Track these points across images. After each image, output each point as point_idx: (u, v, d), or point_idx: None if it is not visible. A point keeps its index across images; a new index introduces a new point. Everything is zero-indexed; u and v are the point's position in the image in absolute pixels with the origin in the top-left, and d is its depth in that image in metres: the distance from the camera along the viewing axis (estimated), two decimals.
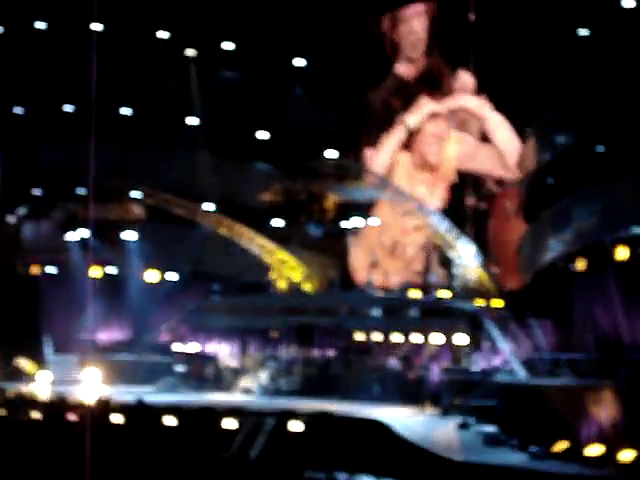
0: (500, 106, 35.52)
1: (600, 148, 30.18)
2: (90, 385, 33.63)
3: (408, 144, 36.93)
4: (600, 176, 28.71)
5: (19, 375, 34.78)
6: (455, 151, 36.35)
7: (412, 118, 36.36)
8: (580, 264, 29.14)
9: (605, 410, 22.04)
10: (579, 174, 29.66)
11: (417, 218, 34.84)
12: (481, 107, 35.50)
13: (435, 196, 36.62)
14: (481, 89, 36.08)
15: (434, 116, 36.38)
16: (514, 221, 35.42)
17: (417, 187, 36.39)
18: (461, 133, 36.30)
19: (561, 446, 22.07)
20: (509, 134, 35.08)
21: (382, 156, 36.73)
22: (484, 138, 35.88)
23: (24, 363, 34.26)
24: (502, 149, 35.16)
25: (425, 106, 36.19)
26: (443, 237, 33.65)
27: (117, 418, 27.55)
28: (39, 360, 35.44)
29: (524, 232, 34.05)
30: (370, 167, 37.14)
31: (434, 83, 36.44)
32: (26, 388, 32.69)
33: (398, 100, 36.45)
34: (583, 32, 32.49)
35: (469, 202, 36.22)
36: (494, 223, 36.64)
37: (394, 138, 36.76)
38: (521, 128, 34.93)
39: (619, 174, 28.35)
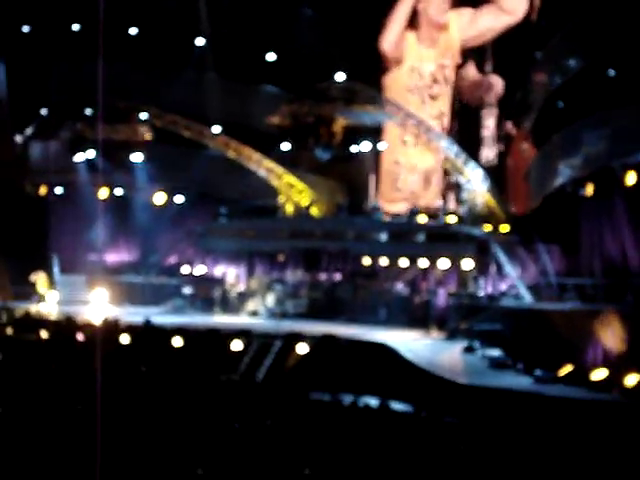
0: None
1: (611, 72, 29.94)
2: (98, 305, 33.84)
3: (413, 19, 36.06)
4: (611, 101, 28.50)
5: (27, 294, 34.95)
6: (457, 24, 35.98)
7: None
8: (589, 189, 29.04)
9: (611, 335, 22.14)
10: (590, 99, 29.44)
11: (426, 141, 34.61)
12: None
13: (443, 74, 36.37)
14: None
15: None
16: (529, 157, 35.26)
17: (426, 67, 36.07)
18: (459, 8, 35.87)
19: (566, 370, 22.21)
20: None
21: (392, 29, 35.71)
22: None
23: (40, 279, 34.33)
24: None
25: None
26: (452, 161, 33.50)
27: (125, 338, 27.76)
28: (47, 280, 35.58)
29: (533, 157, 33.93)
30: (380, 46, 36.18)
31: None
32: (34, 307, 32.91)
33: None
34: None
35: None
36: (511, 162, 36.47)
37: (403, 6, 35.72)
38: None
39: (630, 100, 28.13)
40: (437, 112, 36.58)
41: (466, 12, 35.68)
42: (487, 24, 35.49)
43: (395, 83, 36.73)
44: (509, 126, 36.48)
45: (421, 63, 36.28)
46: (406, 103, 36.12)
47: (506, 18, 34.87)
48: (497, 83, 35.83)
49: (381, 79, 36.88)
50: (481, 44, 36.21)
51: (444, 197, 35.54)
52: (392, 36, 35.81)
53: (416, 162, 36.24)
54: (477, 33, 35.80)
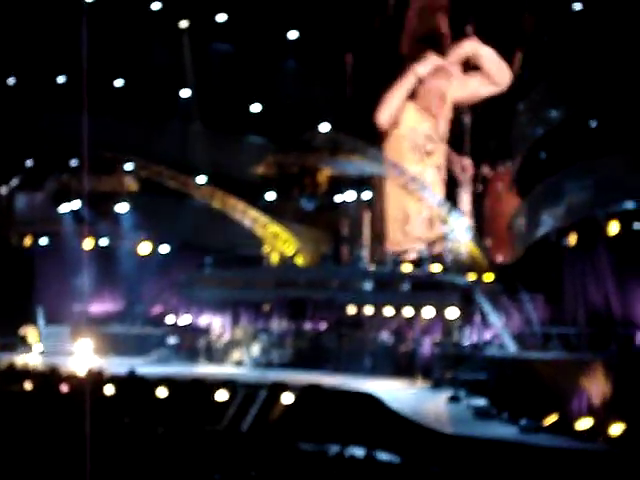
0: None
1: (593, 123, 30.21)
2: (82, 356, 33.74)
3: (413, 94, 37.44)
4: (593, 151, 28.74)
5: (11, 346, 34.86)
6: (449, 88, 37.23)
7: (421, 68, 36.91)
8: (572, 239, 29.18)
9: (595, 384, 22.18)
10: (572, 149, 29.69)
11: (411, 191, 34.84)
12: (476, 46, 36.47)
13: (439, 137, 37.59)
14: None
15: (438, 70, 36.94)
16: (506, 199, 35.77)
17: (422, 129, 37.51)
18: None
19: (551, 419, 22.23)
20: (497, 59, 36.09)
21: (391, 105, 37.24)
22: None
23: (29, 333, 34.21)
24: (490, 70, 36.14)
25: (431, 59, 36.87)
26: (435, 211, 33.68)
27: (109, 389, 27.66)
28: (23, 334, 35.51)
29: (516, 206, 34.12)
30: (378, 117, 37.31)
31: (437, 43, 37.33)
32: (18, 359, 32.78)
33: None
34: (577, 6, 32.39)
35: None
36: (489, 203, 36.93)
37: (404, 86, 37.23)
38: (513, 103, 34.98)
39: (611, 149, 28.39)
40: (434, 165, 37.41)
41: (457, 75, 37.06)
42: (474, 90, 36.89)
43: (394, 143, 37.77)
44: (485, 169, 37.08)
45: (417, 126, 37.51)
46: (404, 159, 37.05)
47: (491, 88, 36.31)
48: (469, 165, 37.17)
49: (367, 128, 37.46)
50: (470, 104, 37.34)
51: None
52: (389, 112, 37.30)
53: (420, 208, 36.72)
54: (466, 96, 37.11)
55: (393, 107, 37.30)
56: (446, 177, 37.38)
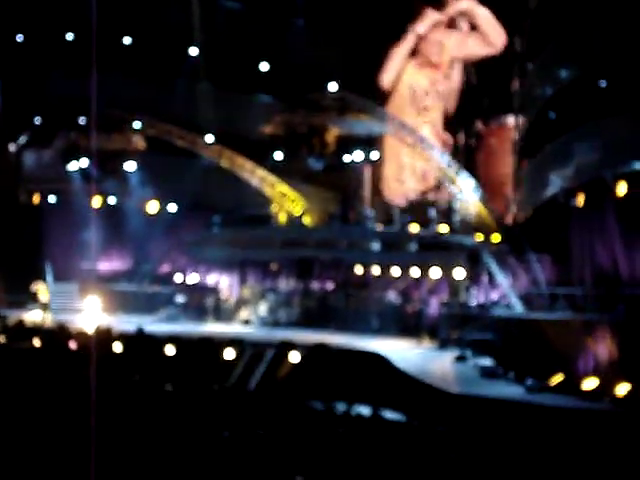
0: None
1: (602, 83, 30.07)
2: (90, 314, 33.86)
3: (413, 51, 38.32)
4: (602, 112, 28.62)
5: (20, 303, 35.02)
6: (448, 45, 38.10)
7: (421, 27, 37.72)
8: (580, 199, 29.15)
9: (602, 344, 22.23)
10: (581, 109, 29.57)
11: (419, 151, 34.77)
12: (473, 4, 37.42)
13: (436, 93, 38.39)
14: None
15: (436, 24, 37.77)
16: (499, 154, 36.39)
17: (421, 84, 38.49)
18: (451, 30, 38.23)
19: (557, 379, 22.29)
20: (492, 19, 37.02)
21: (393, 67, 38.21)
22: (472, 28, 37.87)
23: (41, 289, 34.28)
24: (486, 30, 37.07)
25: (430, 16, 37.73)
26: (444, 171, 33.65)
27: (117, 347, 27.79)
28: (34, 289, 35.60)
29: (510, 162, 34.26)
30: (381, 78, 38.09)
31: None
32: (27, 316, 32.94)
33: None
34: None
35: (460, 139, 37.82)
36: (482, 158, 37.21)
37: (405, 46, 38.12)
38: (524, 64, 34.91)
39: (621, 110, 28.25)
40: (430, 120, 37.92)
41: (455, 35, 38.09)
42: (472, 50, 37.82)
43: (395, 99, 38.65)
44: (479, 125, 37.52)
45: (415, 81, 38.39)
46: (404, 114, 37.56)
47: (487, 49, 37.19)
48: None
49: (374, 89, 37.59)
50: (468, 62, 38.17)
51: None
52: (391, 74, 38.33)
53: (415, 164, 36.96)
54: (463, 55, 38.09)
55: (395, 67, 38.14)
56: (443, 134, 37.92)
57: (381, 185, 37.95)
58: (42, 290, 33.92)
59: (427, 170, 36.84)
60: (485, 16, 36.96)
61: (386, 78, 38.10)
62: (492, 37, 36.85)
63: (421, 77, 38.27)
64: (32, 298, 34.68)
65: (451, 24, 37.94)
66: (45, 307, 33.22)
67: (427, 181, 37.09)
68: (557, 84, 32.17)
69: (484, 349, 25.75)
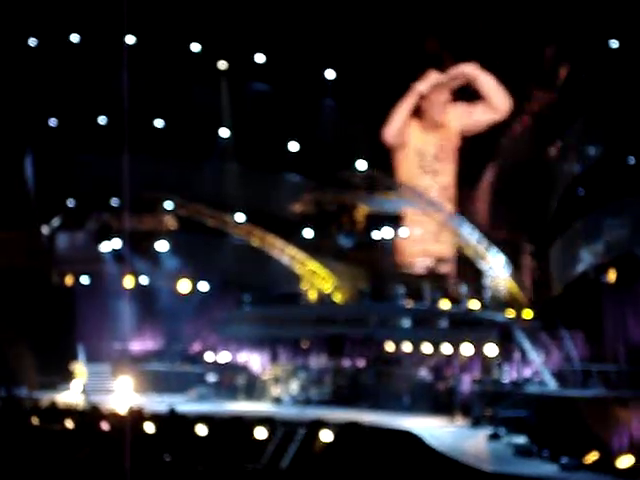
0: None
1: (631, 160, 30.20)
2: (122, 394, 33.89)
3: (417, 111, 38.73)
4: (631, 188, 28.71)
5: (52, 384, 35.12)
6: (454, 115, 38.53)
7: (422, 85, 38.10)
8: (611, 275, 29.11)
9: (636, 422, 22.04)
10: (610, 186, 29.67)
11: (448, 229, 34.84)
12: (475, 70, 37.60)
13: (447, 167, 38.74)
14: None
15: (438, 85, 38.10)
16: None
17: (429, 148, 38.85)
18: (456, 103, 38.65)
19: (592, 457, 22.08)
20: (495, 84, 37.34)
21: (396, 121, 38.56)
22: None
23: (78, 368, 34.33)
24: (490, 97, 37.38)
25: (432, 76, 38.06)
26: (474, 247, 33.69)
27: (149, 427, 27.77)
28: (72, 370, 35.73)
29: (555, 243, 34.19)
30: (384, 134, 38.55)
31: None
32: (59, 397, 32.99)
33: None
34: (614, 44, 32.46)
35: None
36: None
37: (407, 104, 38.48)
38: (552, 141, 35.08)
39: None
40: (441, 184, 38.51)
41: (461, 106, 38.49)
42: (477, 118, 38.15)
43: (404, 162, 39.00)
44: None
45: (424, 146, 38.81)
46: (412, 177, 38.19)
47: (492, 115, 37.53)
48: None
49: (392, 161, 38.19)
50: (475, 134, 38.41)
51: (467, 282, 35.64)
52: (394, 128, 38.71)
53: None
54: (470, 124, 38.36)
55: (397, 123, 38.56)
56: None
57: (407, 260, 37.92)
58: (80, 371, 33.98)
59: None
60: (487, 81, 37.23)
61: (388, 134, 38.50)
62: (496, 102, 37.10)
63: (428, 139, 38.66)
64: (68, 378, 34.81)
65: (455, 95, 38.34)
66: (83, 388, 33.25)
67: (440, 243, 37.18)
68: (586, 161, 32.34)
69: (518, 427, 25.55)
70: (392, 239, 36.93)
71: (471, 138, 38.26)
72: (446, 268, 36.72)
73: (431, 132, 38.60)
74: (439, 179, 38.45)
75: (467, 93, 38.20)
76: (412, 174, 38.40)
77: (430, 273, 36.61)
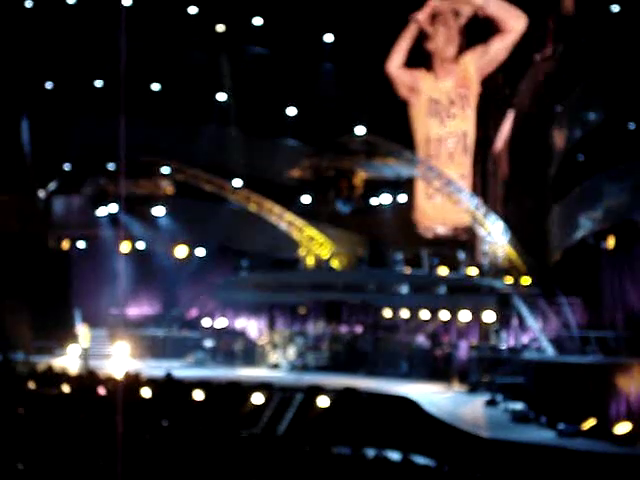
0: None
1: (631, 125, 30.03)
2: (119, 359, 33.89)
3: (427, 60, 37.69)
4: (631, 154, 28.57)
5: (49, 349, 35.11)
6: (470, 57, 37.05)
7: (421, 15, 37.24)
8: (610, 242, 29.03)
9: (634, 388, 22.01)
10: (610, 151, 29.52)
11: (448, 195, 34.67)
12: None
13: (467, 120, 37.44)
14: None
15: (441, 15, 37.04)
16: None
17: (442, 97, 37.67)
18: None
19: (590, 424, 22.07)
20: (505, 5, 36.00)
21: (399, 49, 37.92)
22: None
23: (82, 331, 34.27)
24: (502, 19, 35.87)
25: (430, 4, 37.18)
26: (473, 214, 33.57)
27: (146, 392, 27.76)
28: (70, 334, 35.69)
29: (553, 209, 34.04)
30: (387, 66, 38.02)
31: None
32: (56, 362, 32.98)
33: None
34: (615, 8, 32.18)
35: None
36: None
37: (407, 33, 37.71)
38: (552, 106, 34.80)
39: None
40: (457, 130, 37.57)
41: (478, 48, 36.89)
42: (496, 48, 36.43)
43: (416, 111, 38.32)
44: None
45: (438, 94, 37.79)
46: (427, 126, 37.70)
47: (508, 39, 35.92)
48: None
49: (402, 131, 37.65)
50: (495, 67, 36.88)
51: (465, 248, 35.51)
52: (398, 59, 37.98)
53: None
54: (489, 58, 36.67)
55: (401, 54, 37.80)
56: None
57: (410, 226, 37.74)
58: (83, 334, 33.92)
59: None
60: (495, 3, 35.78)
61: (392, 65, 37.78)
62: (510, 23, 35.61)
63: (443, 86, 37.50)
64: (65, 343, 34.79)
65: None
66: (86, 352, 33.20)
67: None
68: (586, 126, 32.15)
69: (515, 393, 25.55)
70: (390, 205, 36.79)
71: (490, 86, 37.07)
72: (465, 236, 36.20)
73: (445, 78, 37.38)
74: (454, 124, 37.43)
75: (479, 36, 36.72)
76: (427, 124, 37.79)
77: (452, 239, 36.21)
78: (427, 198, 37.59)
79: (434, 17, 37.18)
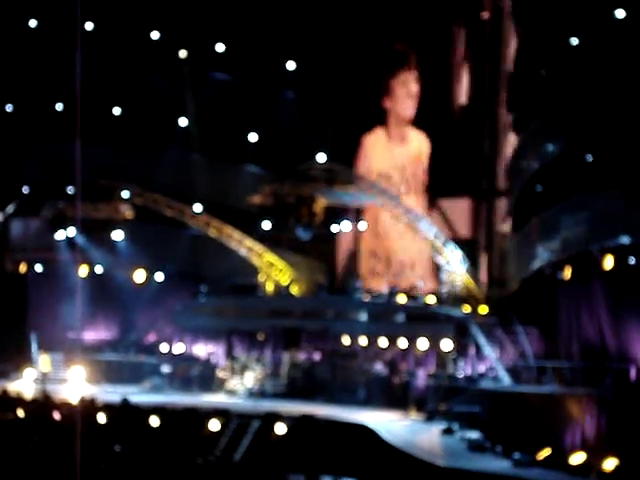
0: None
1: (589, 157, 30.34)
2: (75, 384, 33.63)
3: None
4: (588, 185, 28.85)
5: (4, 373, 34.79)
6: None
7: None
8: (567, 272, 29.24)
9: (589, 418, 22.14)
10: (568, 183, 29.81)
11: (407, 223, 34.82)
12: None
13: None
14: None
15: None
16: None
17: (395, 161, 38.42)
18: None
19: (545, 453, 22.16)
20: None
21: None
22: None
23: (42, 356, 33.93)
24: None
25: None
26: (431, 242, 33.72)
27: (101, 417, 27.54)
28: (26, 358, 35.40)
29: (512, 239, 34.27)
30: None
31: None
32: (11, 386, 32.67)
33: None
34: (574, 41, 32.56)
35: None
36: None
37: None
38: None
39: (607, 184, 28.50)
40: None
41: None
42: None
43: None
44: None
45: (389, 169, 38.36)
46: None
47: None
48: None
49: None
50: None
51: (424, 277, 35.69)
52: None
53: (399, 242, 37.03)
54: None
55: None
56: None
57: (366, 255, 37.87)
58: (43, 359, 33.61)
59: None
60: None
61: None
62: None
63: (396, 160, 38.17)
64: (21, 367, 34.51)
65: None
66: (44, 377, 32.89)
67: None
68: (544, 158, 32.45)
69: (471, 422, 25.63)
70: (350, 232, 36.92)
71: None
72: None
73: (400, 144, 38.36)
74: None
75: None
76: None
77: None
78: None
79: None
